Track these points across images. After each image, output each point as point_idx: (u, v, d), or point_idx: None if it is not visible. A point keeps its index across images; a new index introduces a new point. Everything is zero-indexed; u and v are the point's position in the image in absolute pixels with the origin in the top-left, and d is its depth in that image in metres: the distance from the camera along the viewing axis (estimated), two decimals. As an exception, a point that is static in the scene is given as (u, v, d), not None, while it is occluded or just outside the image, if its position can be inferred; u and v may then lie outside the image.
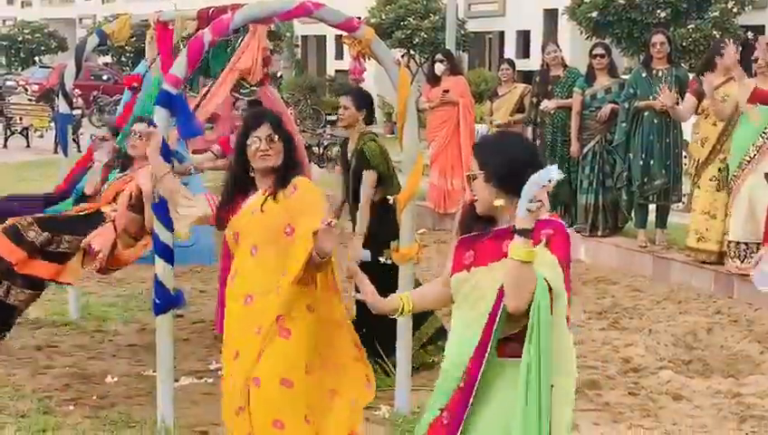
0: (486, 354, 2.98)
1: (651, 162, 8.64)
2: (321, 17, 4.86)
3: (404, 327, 5.28)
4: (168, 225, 4.57)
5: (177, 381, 5.41)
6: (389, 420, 5.22)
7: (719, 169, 7.94)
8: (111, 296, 7.86)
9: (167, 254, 4.69)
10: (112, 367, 6.08)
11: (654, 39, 8.77)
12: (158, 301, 4.73)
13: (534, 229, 2.84)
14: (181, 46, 5.43)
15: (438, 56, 10.54)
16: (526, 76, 14.01)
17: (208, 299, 7.66)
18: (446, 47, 14.22)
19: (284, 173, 3.94)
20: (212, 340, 6.51)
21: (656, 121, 8.63)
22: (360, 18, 5.24)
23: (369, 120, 5.98)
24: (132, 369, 6.06)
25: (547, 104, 9.55)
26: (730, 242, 7.79)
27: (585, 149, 9.25)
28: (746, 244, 7.65)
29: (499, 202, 3.02)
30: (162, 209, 4.54)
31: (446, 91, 10.66)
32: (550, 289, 2.87)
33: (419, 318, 5.71)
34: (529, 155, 3.09)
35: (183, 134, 4.86)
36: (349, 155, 6.00)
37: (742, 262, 7.66)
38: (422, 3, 24.78)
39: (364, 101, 5.93)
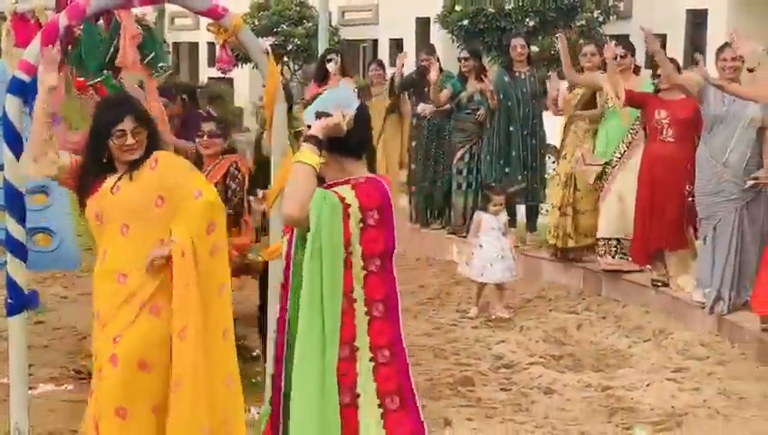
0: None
1: (507, 169, 8.73)
2: (185, 4, 4.68)
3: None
4: (21, 219, 4.31)
5: (35, 388, 5.16)
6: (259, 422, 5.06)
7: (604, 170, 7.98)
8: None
9: (19, 250, 4.41)
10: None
11: (514, 42, 8.96)
12: (10, 301, 4.45)
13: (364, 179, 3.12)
14: None
15: (330, 55, 10.38)
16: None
17: (70, 304, 7.35)
18: (320, 54, 14.06)
19: (143, 158, 3.83)
20: (73, 346, 6.23)
21: (518, 123, 8.72)
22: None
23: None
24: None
25: (424, 108, 9.55)
26: (599, 239, 7.91)
27: (461, 151, 9.28)
28: (615, 240, 7.77)
29: (320, 160, 3.12)
30: (13, 200, 4.28)
31: None
32: (347, 216, 3.04)
33: None
34: (358, 120, 3.18)
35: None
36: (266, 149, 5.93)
37: (620, 258, 7.78)
38: (295, 9, 24.64)
39: None
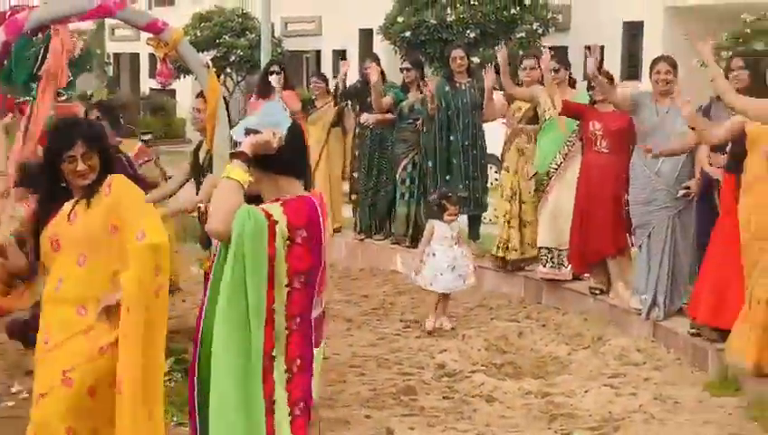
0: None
1: (448, 178, 8.84)
2: (125, 18, 4.71)
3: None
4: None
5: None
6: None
7: (539, 180, 8.10)
8: None
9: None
10: None
11: (454, 54, 9.06)
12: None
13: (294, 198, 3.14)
14: None
15: (273, 67, 10.38)
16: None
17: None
18: (262, 65, 14.07)
19: (98, 181, 3.80)
20: (13, 362, 6.16)
21: (459, 133, 8.84)
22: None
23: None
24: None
25: (367, 118, 9.60)
26: (539, 248, 8.05)
27: (404, 162, 9.36)
28: (554, 249, 7.91)
29: (249, 177, 3.15)
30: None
31: None
32: (273, 234, 3.05)
33: None
34: (290, 138, 3.21)
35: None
36: (201, 157, 5.88)
37: (550, 267, 7.92)
38: (238, 21, 24.61)
39: None
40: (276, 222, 3.09)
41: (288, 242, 3.11)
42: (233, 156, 3.11)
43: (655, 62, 6.90)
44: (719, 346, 6.06)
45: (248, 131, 3.13)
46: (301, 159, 3.33)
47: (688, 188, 6.49)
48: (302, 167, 3.31)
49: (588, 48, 6.97)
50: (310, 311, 3.25)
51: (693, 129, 5.95)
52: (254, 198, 3.17)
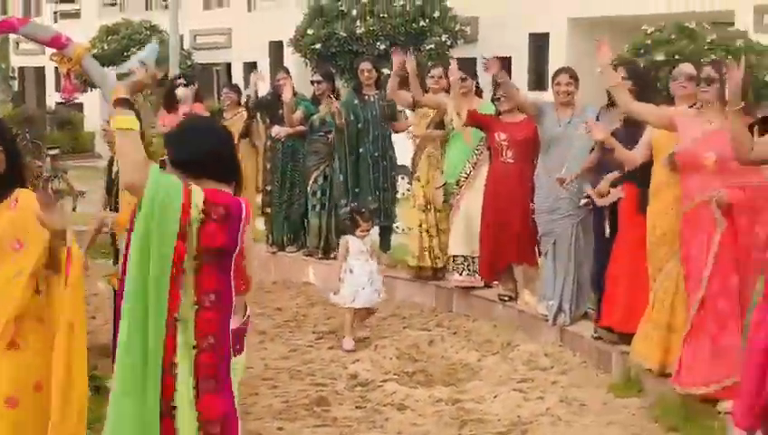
0: None
1: (357, 189, 8.92)
2: (28, 34, 4.63)
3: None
4: None
5: None
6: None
7: (448, 190, 8.21)
8: None
9: None
10: None
11: (362, 66, 9.18)
12: None
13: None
14: None
15: (179, 80, 10.28)
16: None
17: None
18: (170, 78, 13.95)
19: (7, 182, 3.71)
20: None
21: (368, 145, 8.93)
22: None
23: None
24: None
25: (278, 131, 9.61)
26: (450, 257, 8.17)
27: (316, 174, 9.39)
28: (465, 257, 8.04)
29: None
30: None
31: (186, 115, 10.39)
32: (188, 200, 3.02)
33: None
34: (214, 143, 3.24)
35: None
36: (114, 171, 5.86)
37: (467, 275, 8.05)
38: (146, 33, 24.37)
39: None
40: (191, 191, 3.06)
41: (202, 216, 3.07)
42: (115, 105, 3.09)
43: (556, 73, 7.10)
44: (622, 349, 6.25)
45: (120, 78, 3.16)
46: (229, 164, 3.31)
47: (589, 197, 6.68)
48: (230, 173, 3.29)
49: (486, 60, 7.12)
50: (229, 296, 3.19)
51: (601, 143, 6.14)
52: None
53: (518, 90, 7.39)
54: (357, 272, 7.23)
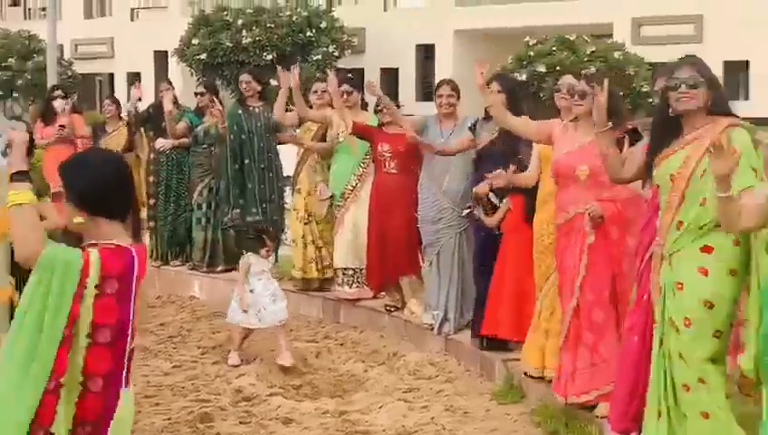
0: None
1: (242, 201, 8.86)
2: None
3: None
4: None
5: None
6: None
7: (334, 202, 8.20)
8: None
9: None
10: None
11: (241, 78, 9.16)
12: None
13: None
14: None
15: (56, 92, 10.00)
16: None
17: None
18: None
19: None
20: None
21: (254, 156, 8.88)
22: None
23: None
24: None
25: (163, 144, 9.46)
26: (337, 269, 8.17)
27: (200, 186, 9.28)
28: (351, 269, 8.06)
29: (78, 220, 3.06)
30: None
31: (63, 127, 10.15)
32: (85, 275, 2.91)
33: None
34: (111, 176, 3.11)
35: None
36: None
37: (356, 287, 8.06)
38: (24, 43, 23.73)
39: None
40: (90, 263, 2.95)
41: (96, 291, 2.97)
42: (12, 178, 2.95)
43: (438, 85, 7.19)
44: (505, 356, 6.36)
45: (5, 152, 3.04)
46: (122, 200, 3.14)
47: (470, 207, 6.77)
48: (124, 209, 3.14)
49: (368, 82, 7.22)
50: (119, 375, 3.08)
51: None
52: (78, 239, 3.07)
53: (397, 108, 7.47)
54: (260, 291, 7.00)
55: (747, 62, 21.16)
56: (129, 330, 3.07)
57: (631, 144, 4.99)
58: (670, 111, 4.25)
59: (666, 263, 4.28)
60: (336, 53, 20.45)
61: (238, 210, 8.81)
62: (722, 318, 4.15)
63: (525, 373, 5.96)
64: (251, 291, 7.02)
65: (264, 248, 7.09)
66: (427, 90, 21.90)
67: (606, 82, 4.66)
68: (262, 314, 7.02)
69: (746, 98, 21.14)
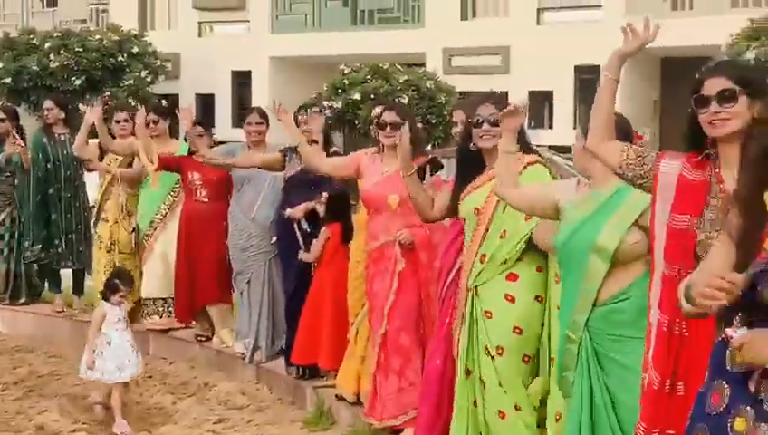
0: None
1: (45, 232, 8.59)
2: None
3: None
4: None
5: None
6: None
7: (142, 232, 8.02)
8: None
9: None
10: None
11: (44, 105, 8.95)
12: None
13: None
14: None
15: None
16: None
17: None
18: None
19: None
20: None
21: (59, 185, 8.61)
22: None
23: None
24: None
25: None
26: (145, 300, 8.00)
27: (2, 215, 8.90)
28: (161, 299, 7.92)
29: None
30: None
31: None
32: None
33: None
34: None
35: None
36: None
37: (167, 317, 7.92)
38: None
39: None
40: None
41: None
42: None
43: (247, 113, 7.18)
44: (316, 383, 6.39)
45: None
46: None
47: (278, 236, 6.78)
48: None
49: (182, 109, 7.17)
50: None
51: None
52: None
53: (204, 139, 7.37)
54: (118, 343, 6.35)
55: (551, 92, 22.21)
56: None
57: (432, 173, 5.14)
58: (472, 145, 4.42)
59: (471, 293, 4.43)
60: (149, 79, 20.09)
61: (40, 245, 8.52)
62: (531, 343, 4.34)
63: (337, 396, 6.00)
64: (108, 343, 6.34)
65: (116, 295, 6.46)
66: (242, 116, 21.84)
67: (407, 125, 4.80)
68: (126, 366, 6.32)
69: (550, 127, 22.18)
